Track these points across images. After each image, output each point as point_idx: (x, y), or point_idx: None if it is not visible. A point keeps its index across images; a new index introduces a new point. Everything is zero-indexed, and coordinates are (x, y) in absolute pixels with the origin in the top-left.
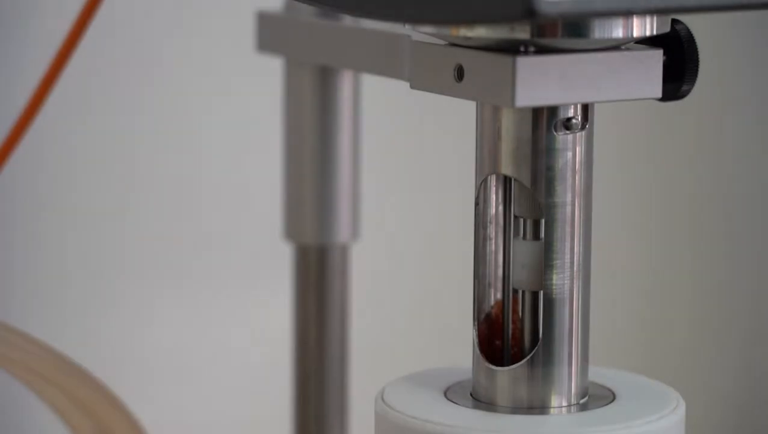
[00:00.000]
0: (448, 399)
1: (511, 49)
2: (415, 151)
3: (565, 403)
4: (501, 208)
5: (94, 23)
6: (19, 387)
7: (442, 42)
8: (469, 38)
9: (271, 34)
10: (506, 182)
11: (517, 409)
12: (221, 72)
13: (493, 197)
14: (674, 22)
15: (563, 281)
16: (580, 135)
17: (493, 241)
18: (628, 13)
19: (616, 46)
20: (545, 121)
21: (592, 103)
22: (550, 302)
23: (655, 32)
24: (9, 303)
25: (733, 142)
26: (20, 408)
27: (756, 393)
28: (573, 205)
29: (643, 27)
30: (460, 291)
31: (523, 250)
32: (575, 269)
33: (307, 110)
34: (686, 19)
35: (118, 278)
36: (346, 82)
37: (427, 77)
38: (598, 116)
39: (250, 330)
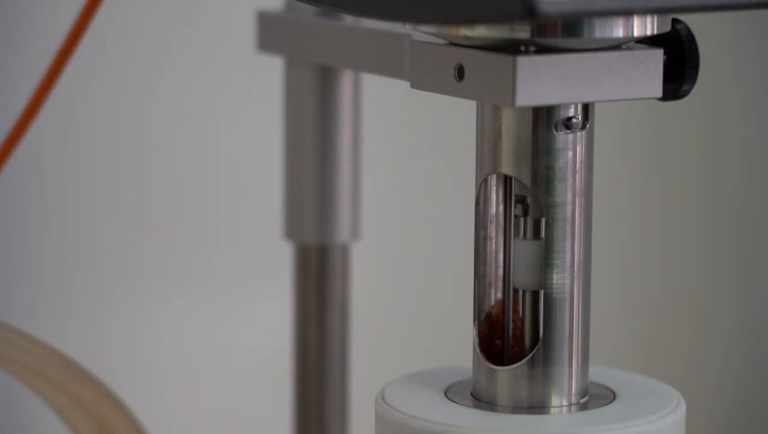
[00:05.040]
0: (449, 399)
1: (512, 48)
2: (415, 151)
3: (565, 403)
4: (501, 207)
5: (94, 23)
6: (20, 387)
7: (442, 42)
8: (470, 38)
9: (271, 34)
10: (506, 181)
11: (517, 409)
12: (221, 72)
13: (494, 196)
14: (675, 21)
15: (563, 280)
16: (581, 135)
17: (494, 240)
18: (628, 13)
19: (616, 45)
20: (545, 120)
21: (593, 103)
22: (550, 302)
23: (655, 32)
24: (10, 303)
25: (733, 141)
26: (21, 408)
27: (756, 393)
28: (573, 204)
29: (643, 27)
30: (460, 291)
31: (524, 249)
32: (575, 268)
33: (307, 109)
34: (686, 18)
35: (118, 278)
36: (346, 82)
37: (428, 77)
38: (598, 115)
39: (250, 329)
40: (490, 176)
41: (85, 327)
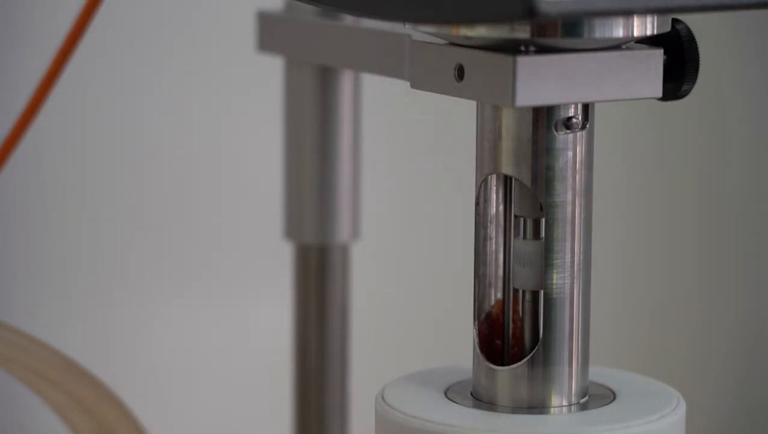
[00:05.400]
0: (449, 399)
1: (512, 48)
2: (415, 151)
3: (565, 403)
4: (501, 207)
5: (94, 23)
6: (20, 387)
7: (442, 42)
8: (470, 38)
9: (271, 34)
10: (506, 181)
11: (517, 409)
12: (221, 72)
13: (494, 196)
14: (675, 21)
15: (563, 280)
16: (581, 134)
17: (494, 240)
18: (628, 13)
19: (616, 45)
20: (545, 120)
21: (593, 103)
22: (550, 302)
23: (655, 32)
24: (10, 303)
25: (733, 141)
26: (21, 408)
27: (756, 393)
28: (573, 204)
29: (643, 26)
30: (460, 291)
31: (524, 249)
32: (575, 268)
33: (307, 109)
34: (686, 18)
35: (118, 278)
36: (346, 82)
37: (428, 77)
38: (598, 115)
39: (251, 329)
40: (490, 176)
41: (85, 327)
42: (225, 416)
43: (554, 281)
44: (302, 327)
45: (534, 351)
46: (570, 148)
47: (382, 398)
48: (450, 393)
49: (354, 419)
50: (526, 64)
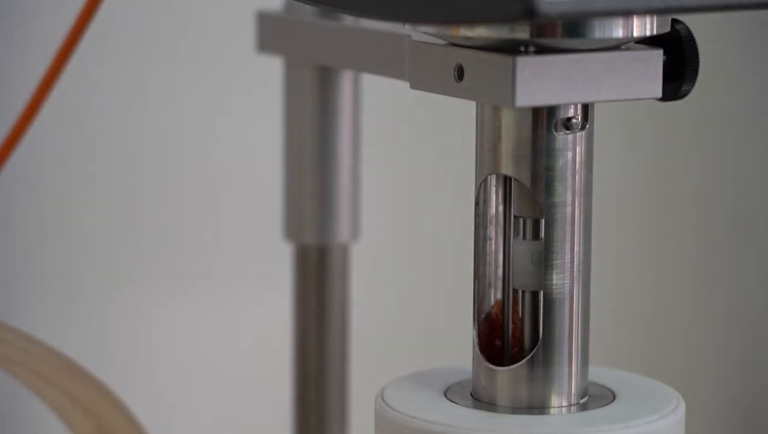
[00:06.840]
0: (448, 399)
1: (511, 49)
2: (415, 151)
3: (565, 403)
4: (501, 208)
5: (94, 23)
6: (20, 387)
7: (442, 42)
8: (469, 38)
9: (271, 34)
10: (506, 181)
11: (517, 409)
12: (221, 72)
13: (493, 196)
14: (674, 22)
15: (563, 281)
16: (580, 135)
17: (493, 241)
18: (628, 13)
19: (616, 46)
20: (545, 121)
21: (592, 103)
22: (550, 302)
23: (655, 32)
24: (10, 303)
25: (733, 142)
26: (21, 408)
27: (756, 393)
28: (573, 205)
29: (643, 27)
30: (460, 291)
31: (523, 250)
32: (575, 269)
33: (307, 109)
34: (686, 19)
35: (118, 278)
36: (346, 82)
37: (427, 77)
38: (598, 115)
39: (250, 329)
40: (489, 177)
41: (85, 327)
42: (225, 416)
43: (554, 282)
44: (302, 326)
45: (534, 351)
46: (570, 148)
47: (382, 398)
48: (450, 393)
49: (354, 419)
50: (526, 64)
